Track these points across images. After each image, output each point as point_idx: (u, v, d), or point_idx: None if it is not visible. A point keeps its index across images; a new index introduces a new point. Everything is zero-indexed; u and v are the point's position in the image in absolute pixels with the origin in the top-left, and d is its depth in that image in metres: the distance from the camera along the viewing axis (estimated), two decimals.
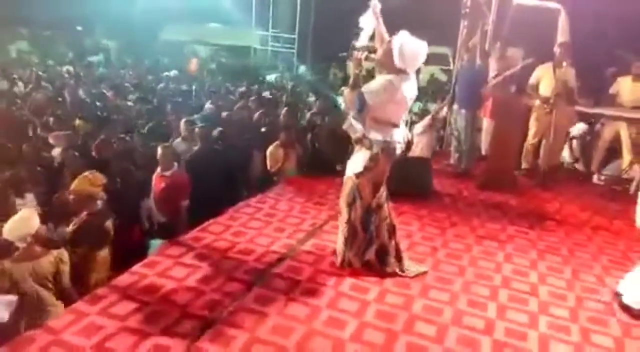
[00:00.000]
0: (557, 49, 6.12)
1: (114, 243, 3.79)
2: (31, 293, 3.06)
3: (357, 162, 3.41)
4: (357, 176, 3.40)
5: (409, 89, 3.29)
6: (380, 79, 3.27)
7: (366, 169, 3.36)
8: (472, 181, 6.09)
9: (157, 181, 4.72)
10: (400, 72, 3.24)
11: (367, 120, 3.30)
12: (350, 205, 3.44)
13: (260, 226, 4.23)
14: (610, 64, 7.24)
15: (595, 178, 6.70)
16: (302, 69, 18.20)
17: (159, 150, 4.73)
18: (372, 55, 3.41)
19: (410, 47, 3.19)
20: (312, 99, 10.36)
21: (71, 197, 3.78)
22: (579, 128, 7.07)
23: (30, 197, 4.20)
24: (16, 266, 3.04)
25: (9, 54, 15.28)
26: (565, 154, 7.14)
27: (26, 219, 3.15)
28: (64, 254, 3.25)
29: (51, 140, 5.36)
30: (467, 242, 4.29)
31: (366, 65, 3.47)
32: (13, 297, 2.93)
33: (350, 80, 3.36)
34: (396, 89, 3.20)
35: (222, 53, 19.18)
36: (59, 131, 5.79)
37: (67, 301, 3.16)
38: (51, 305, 3.13)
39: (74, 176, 3.93)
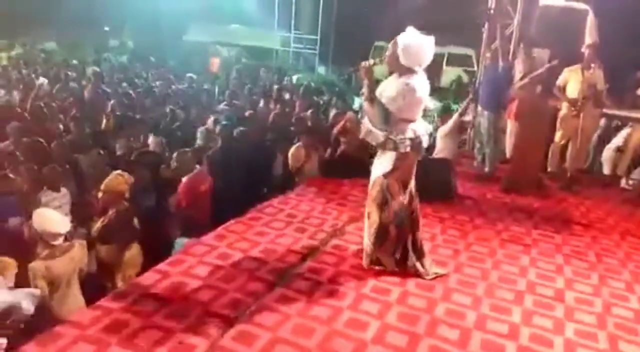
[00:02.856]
0: (585, 51, 6.00)
1: (142, 241, 3.85)
2: (70, 284, 3.16)
3: (384, 162, 3.38)
4: (386, 175, 3.37)
5: (423, 86, 3.27)
6: (394, 83, 3.24)
7: (395, 168, 3.33)
8: (496, 183, 6.00)
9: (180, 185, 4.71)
10: (410, 70, 3.21)
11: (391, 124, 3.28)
12: (382, 205, 3.40)
13: (282, 226, 4.24)
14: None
15: (623, 183, 6.55)
16: (324, 70, 18.22)
17: (174, 156, 4.78)
18: (378, 61, 3.37)
19: (415, 44, 3.16)
20: (332, 100, 10.34)
21: (101, 194, 3.86)
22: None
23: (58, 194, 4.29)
24: (58, 261, 3.13)
25: (38, 53, 15.62)
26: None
27: (60, 220, 3.24)
28: (84, 242, 3.39)
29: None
30: (490, 246, 4.23)
31: (377, 71, 3.38)
32: (36, 291, 2.98)
33: (365, 92, 3.30)
34: (414, 91, 3.19)
35: (244, 54, 19.32)
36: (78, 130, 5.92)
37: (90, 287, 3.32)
38: (77, 294, 3.24)
39: (102, 178, 4.01)
